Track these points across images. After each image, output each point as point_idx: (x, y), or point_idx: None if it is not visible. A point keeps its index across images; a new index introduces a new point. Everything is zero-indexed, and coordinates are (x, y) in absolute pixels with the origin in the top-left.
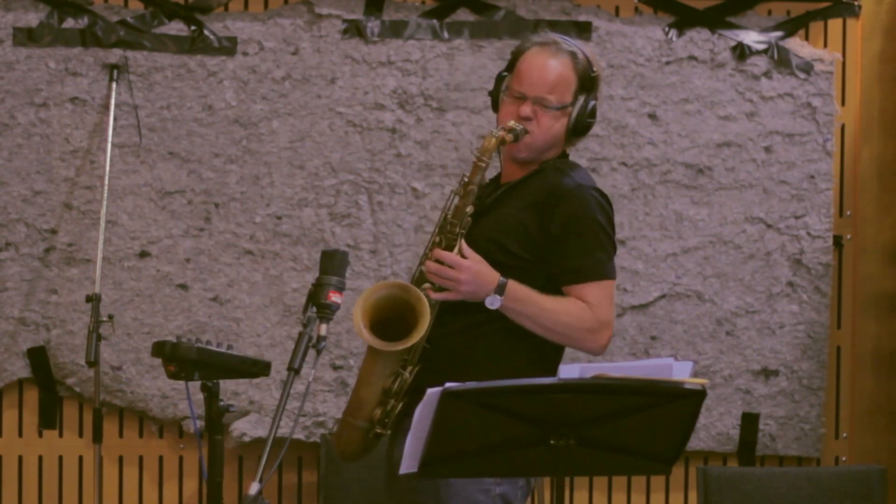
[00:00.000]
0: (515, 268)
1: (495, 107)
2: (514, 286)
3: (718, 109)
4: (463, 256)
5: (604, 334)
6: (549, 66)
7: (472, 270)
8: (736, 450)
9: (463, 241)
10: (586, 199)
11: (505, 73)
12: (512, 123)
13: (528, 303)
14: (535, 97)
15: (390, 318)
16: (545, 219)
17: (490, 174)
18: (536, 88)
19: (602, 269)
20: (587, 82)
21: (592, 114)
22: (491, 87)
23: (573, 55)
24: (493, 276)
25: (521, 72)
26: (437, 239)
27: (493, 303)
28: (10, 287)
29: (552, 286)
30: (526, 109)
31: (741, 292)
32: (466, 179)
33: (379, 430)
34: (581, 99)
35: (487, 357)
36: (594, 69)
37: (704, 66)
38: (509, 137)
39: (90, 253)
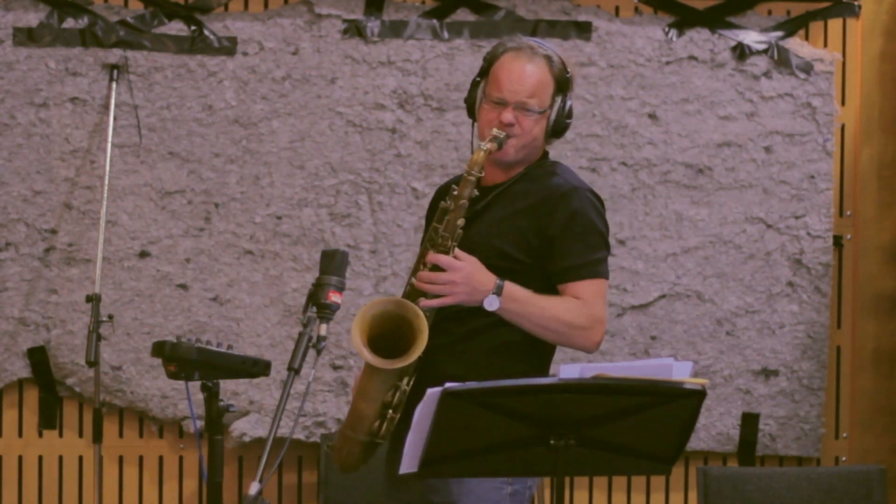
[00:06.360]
0: (513, 271)
1: (471, 113)
2: (511, 287)
3: (718, 109)
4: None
5: (597, 330)
6: (527, 70)
7: (466, 272)
8: (736, 450)
9: (457, 249)
10: (583, 201)
11: (478, 79)
12: (495, 132)
13: (526, 303)
14: (517, 102)
15: (387, 334)
16: (543, 220)
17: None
18: (517, 94)
19: (597, 268)
20: (563, 84)
21: (569, 114)
22: None
23: (548, 58)
24: (489, 278)
25: (500, 78)
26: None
27: (491, 304)
28: (10, 287)
29: (548, 289)
30: (508, 115)
31: (741, 292)
32: (457, 193)
33: (378, 441)
34: (558, 100)
35: (481, 367)
36: (568, 71)
37: (704, 66)
38: (494, 146)
39: (90, 253)
